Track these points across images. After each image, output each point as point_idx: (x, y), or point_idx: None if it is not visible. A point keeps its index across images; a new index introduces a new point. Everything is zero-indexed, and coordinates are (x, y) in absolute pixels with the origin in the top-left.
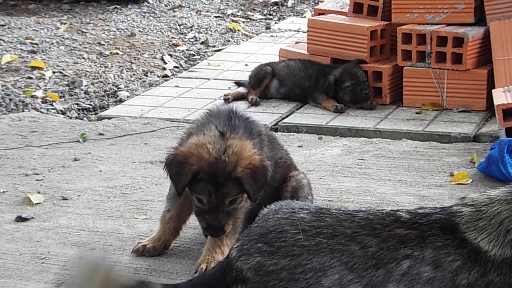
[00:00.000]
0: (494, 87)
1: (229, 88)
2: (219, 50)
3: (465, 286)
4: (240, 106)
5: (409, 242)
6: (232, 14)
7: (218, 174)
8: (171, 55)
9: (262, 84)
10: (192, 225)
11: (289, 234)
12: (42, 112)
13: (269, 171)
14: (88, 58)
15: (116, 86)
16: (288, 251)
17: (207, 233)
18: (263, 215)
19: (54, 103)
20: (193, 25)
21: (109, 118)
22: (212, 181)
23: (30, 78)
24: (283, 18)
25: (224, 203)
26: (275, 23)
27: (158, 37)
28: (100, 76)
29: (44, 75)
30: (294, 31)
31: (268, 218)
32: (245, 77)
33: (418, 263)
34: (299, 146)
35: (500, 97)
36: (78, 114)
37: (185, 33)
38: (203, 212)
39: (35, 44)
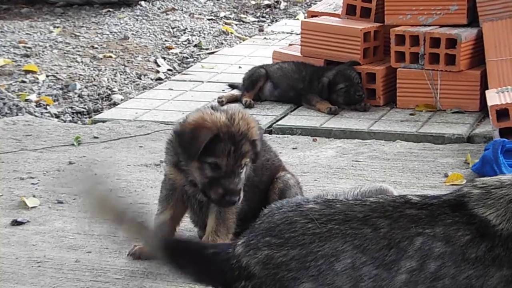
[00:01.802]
0: (487, 88)
1: (223, 90)
2: (212, 53)
3: (474, 260)
4: None
5: (420, 221)
6: (225, 16)
7: (235, 134)
8: (164, 58)
9: (256, 86)
10: (187, 227)
11: (299, 224)
12: (36, 116)
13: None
14: (82, 61)
15: (110, 90)
16: (299, 240)
17: (223, 203)
18: (266, 213)
19: (48, 107)
20: (186, 28)
21: (104, 122)
22: (231, 141)
23: (23, 82)
24: (276, 21)
25: (240, 165)
26: (268, 25)
27: (151, 40)
28: (94, 79)
29: (37, 79)
30: (287, 33)
31: (273, 214)
32: (239, 79)
33: (430, 239)
34: (293, 148)
35: (493, 98)
36: (72, 117)
37: (178, 36)
38: (218, 179)
39: (28, 48)
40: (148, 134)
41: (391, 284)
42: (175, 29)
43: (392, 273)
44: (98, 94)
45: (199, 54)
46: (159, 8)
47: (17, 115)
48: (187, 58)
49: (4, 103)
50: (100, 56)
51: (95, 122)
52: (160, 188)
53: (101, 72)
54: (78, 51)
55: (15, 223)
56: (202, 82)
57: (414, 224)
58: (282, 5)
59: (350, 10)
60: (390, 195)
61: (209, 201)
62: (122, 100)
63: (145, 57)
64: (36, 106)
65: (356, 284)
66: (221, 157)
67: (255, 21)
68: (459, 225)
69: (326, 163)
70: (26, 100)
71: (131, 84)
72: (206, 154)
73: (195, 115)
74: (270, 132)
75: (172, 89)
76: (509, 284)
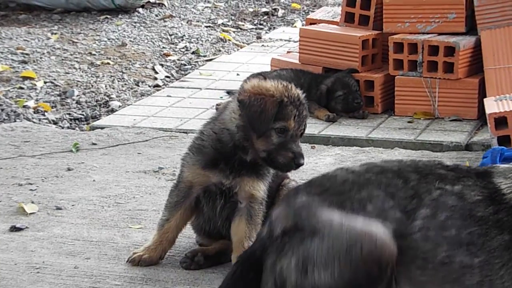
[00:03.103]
0: (485, 96)
1: (221, 97)
2: (210, 60)
3: (479, 218)
4: None
5: (445, 180)
6: (222, 24)
7: (295, 99)
8: (162, 65)
9: None
10: (187, 234)
11: (339, 177)
12: (34, 122)
13: None
14: (80, 68)
15: (107, 96)
16: (338, 187)
17: (291, 166)
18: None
19: (46, 113)
20: (184, 35)
21: (102, 128)
22: (294, 105)
23: (21, 88)
24: (274, 28)
25: (302, 129)
26: (266, 32)
27: (149, 47)
28: (92, 86)
29: (35, 85)
30: (285, 40)
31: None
32: (237, 86)
33: (446, 193)
34: None
35: (491, 106)
36: (70, 124)
37: (176, 43)
38: (285, 143)
39: (26, 54)
40: (146, 140)
41: (409, 228)
42: (173, 36)
43: (411, 218)
44: (96, 101)
45: (197, 61)
46: (157, 15)
47: (15, 121)
48: (185, 65)
49: (2, 110)
50: (98, 62)
51: (93, 128)
52: (169, 194)
53: (99, 79)
54: (76, 57)
55: (14, 229)
56: (200, 89)
57: (439, 181)
58: (280, 12)
59: (348, 18)
60: None
61: (275, 168)
62: (120, 106)
63: (143, 64)
64: (34, 113)
65: (382, 221)
66: (289, 121)
67: (253, 28)
68: (476, 187)
69: (325, 171)
70: (24, 106)
71: (129, 90)
72: (274, 120)
73: (255, 85)
74: None
75: (170, 96)
76: (507, 250)
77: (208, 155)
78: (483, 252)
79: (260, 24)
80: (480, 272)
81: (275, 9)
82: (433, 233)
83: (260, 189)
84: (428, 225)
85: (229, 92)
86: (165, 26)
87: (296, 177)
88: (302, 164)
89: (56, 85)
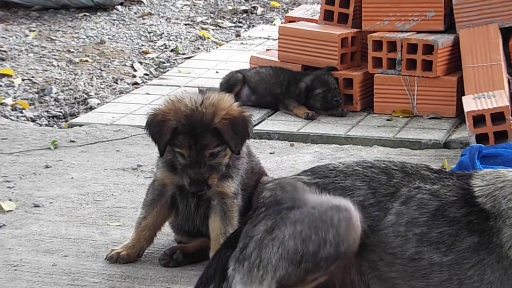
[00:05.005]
0: (463, 94)
1: None
2: (189, 58)
3: (451, 218)
4: None
5: (427, 179)
6: (201, 21)
7: (195, 125)
8: (141, 63)
9: (233, 91)
10: (166, 231)
11: (332, 165)
12: (12, 120)
13: (249, 122)
14: (58, 65)
15: (86, 94)
16: (325, 173)
17: (192, 189)
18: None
19: (24, 111)
20: (163, 33)
21: (80, 125)
22: (190, 133)
23: None
24: (253, 26)
25: (204, 156)
26: (245, 30)
27: (127, 45)
28: (70, 83)
29: (13, 82)
30: (264, 38)
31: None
32: (216, 84)
33: (423, 191)
34: (271, 153)
35: (470, 104)
36: (48, 121)
37: (154, 40)
38: (187, 167)
39: (4, 51)
40: (125, 138)
41: (382, 223)
42: (151, 34)
43: (386, 214)
44: (75, 98)
45: (175, 59)
46: (135, 13)
47: None
48: (163, 62)
49: None
50: (77, 60)
51: (71, 126)
52: (146, 192)
53: (77, 76)
54: (54, 55)
55: None
56: (179, 86)
57: (420, 180)
58: (259, 10)
59: (327, 16)
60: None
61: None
62: (98, 104)
63: (122, 61)
64: (12, 110)
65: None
66: (183, 149)
67: (232, 26)
68: (453, 188)
69: (304, 168)
70: (1, 103)
71: (107, 88)
72: (173, 144)
73: (164, 104)
74: None
75: (149, 94)
76: (475, 252)
77: (171, 158)
78: (452, 252)
79: (239, 22)
80: (448, 270)
81: (254, 7)
82: (403, 228)
83: (229, 185)
84: (400, 221)
85: (201, 90)
86: (143, 23)
87: (275, 175)
88: (199, 191)
89: (34, 83)
